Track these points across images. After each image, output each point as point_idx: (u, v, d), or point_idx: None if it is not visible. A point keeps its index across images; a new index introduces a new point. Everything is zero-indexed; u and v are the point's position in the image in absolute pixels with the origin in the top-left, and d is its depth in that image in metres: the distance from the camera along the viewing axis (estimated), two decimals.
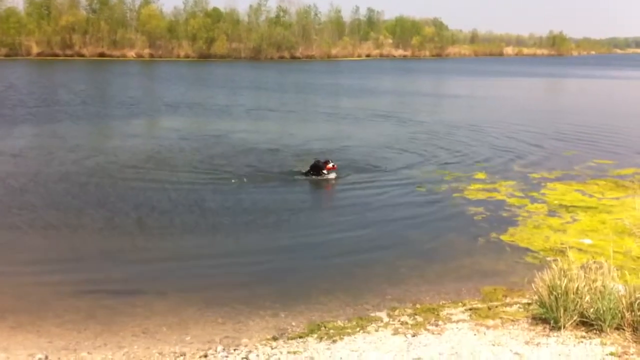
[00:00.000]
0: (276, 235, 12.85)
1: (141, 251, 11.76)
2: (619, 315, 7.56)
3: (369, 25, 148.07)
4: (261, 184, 16.89)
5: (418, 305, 9.15)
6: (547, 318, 7.85)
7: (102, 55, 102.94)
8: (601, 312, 7.51)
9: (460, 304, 9.17)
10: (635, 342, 7.27)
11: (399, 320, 8.48)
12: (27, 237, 12.46)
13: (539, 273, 8.19)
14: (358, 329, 8.19)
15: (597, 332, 7.51)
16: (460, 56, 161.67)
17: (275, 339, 7.97)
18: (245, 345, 7.76)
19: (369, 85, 59.12)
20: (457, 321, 8.35)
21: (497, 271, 10.76)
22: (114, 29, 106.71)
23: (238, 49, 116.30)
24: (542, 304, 7.97)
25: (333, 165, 17.53)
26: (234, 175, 17.69)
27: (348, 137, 26.08)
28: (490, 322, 8.25)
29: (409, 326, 8.23)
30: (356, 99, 45.27)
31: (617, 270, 8.31)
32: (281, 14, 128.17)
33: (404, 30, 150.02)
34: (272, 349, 7.57)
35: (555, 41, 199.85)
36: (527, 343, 7.45)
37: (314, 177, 17.41)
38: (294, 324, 8.54)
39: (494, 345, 7.44)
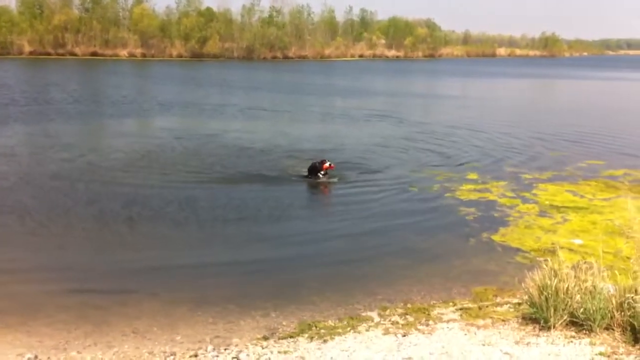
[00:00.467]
0: (267, 235, 12.84)
1: (132, 251, 11.72)
2: (609, 315, 7.58)
3: (362, 26, 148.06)
4: (253, 184, 16.86)
5: (409, 305, 9.16)
6: (537, 318, 7.87)
7: (94, 54, 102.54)
8: (591, 312, 7.53)
9: (450, 303, 9.19)
10: (624, 342, 7.30)
11: (389, 320, 8.49)
12: (17, 236, 12.40)
13: (530, 273, 8.21)
14: (349, 328, 8.19)
15: (587, 332, 7.53)
16: (453, 57, 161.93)
17: (265, 338, 7.96)
18: (236, 345, 7.75)
19: (362, 85, 59.19)
20: (448, 321, 8.36)
21: (488, 271, 10.78)
22: (106, 28, 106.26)
23: (231, 49, 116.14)
24: (532, 304, 7.99)
25: (330, 165, 17.28)
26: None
27: (341, 137, 26.09)
28: (480, 321, 8.27)
29: (400, 326, 8.23)
30: (349, 99, 45.30)
31: (607, 270, 8.33)
32: (274, 13, 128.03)
33: (397, 30, 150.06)
34: (262, 348, 7.56)
35: (548, 42, 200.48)
36: (517, 343, 7.47)
37: (311, 179, 17.27)
38: (284, 323, 8.53)
39: (484, 345, 7.46)
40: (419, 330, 8.04)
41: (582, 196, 15.94)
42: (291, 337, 7.94)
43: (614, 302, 7.63)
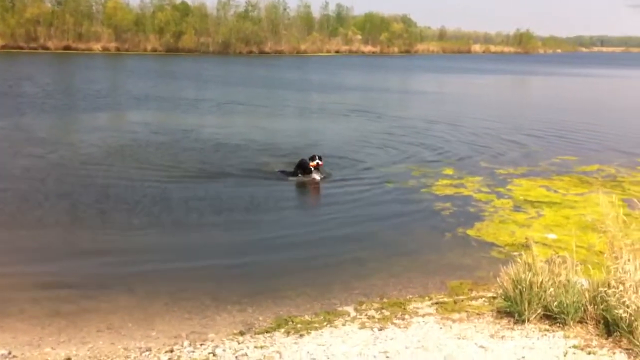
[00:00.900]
0: (243, 230, 12.79)
1: (107, 246, 11.59)
2: (582, 308, 7.68)
3: (338, 21, 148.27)
4: (229, 180, 16.80)
5: (385, 300, 9.19)
6: (511, 311, 7.95)
7: (67, 48, 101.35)
8: (564, 305, 7.62)
9: (426, 298, 9.24)
10: (597, 335, 7.40)
11: (366, 315, 8.51)
12: None
13: (504, 267, 8.28)
14: (325, 323, 8.19)
15: (561, 325, 7.62)
16: (429, 53, 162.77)
17: (242, 333, 7.93)
18: (212, 340, 7.71)
19: (338, 81, 59.23)
20: (424, 315, 8.41)
21: (464, 265, 10.85)
22: (79, 21, 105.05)
23: (206, 43, 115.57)
24: (506, 298, 8.07)
25: (318, 163, 16.66)
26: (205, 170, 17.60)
27: (317, 132, 26.12)
28: (456, 315, 8.33)
29: (376, 320, 8.26)
30: (326, 94, 45.30)
31: (580, 264, 8.42)
32: (250, 8, 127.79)
33: (373, 26, 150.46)
34: (239, 343, 7.53)
35: (522, 39, 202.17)
36: (492, 336, 7.54)
37: (300, 176, 16.73)
38: (261, 318, 8.51)
39: (459, 338, 7.52)
40: (395, 324, 8.07)
41: (555, 191, 16.12)
42: (267, 332, 7.92)
43: (587, 295, 7.73)
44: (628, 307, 7.06)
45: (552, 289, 7.74)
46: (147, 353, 7.33)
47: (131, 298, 9.20)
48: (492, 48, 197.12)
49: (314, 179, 16.62)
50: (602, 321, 7.47)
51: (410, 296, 9.36)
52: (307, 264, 10.89)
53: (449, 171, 18.41)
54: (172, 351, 7.36)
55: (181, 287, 9.67)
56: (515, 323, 7.82)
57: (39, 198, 14.47)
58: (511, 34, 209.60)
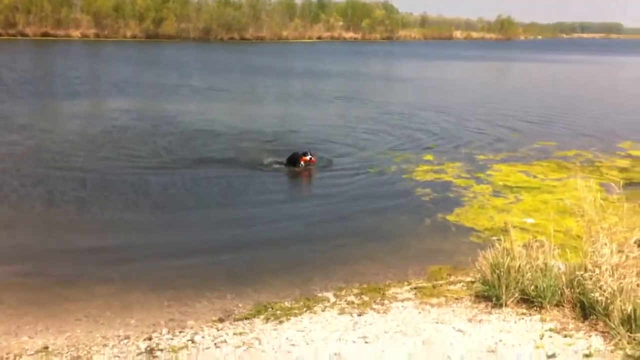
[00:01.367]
0: (222, 217, 12.74)
1: (84, 235, 11.47)
2: (559, 292, 7.75)
3: (319, 8, 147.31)
4: (209, 167, 16.68)
5: (364, 285, 9.22)
6: (489, 295, 8.01)
7: (46, 35, 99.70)
8: (542, 289, 7.69)
9: (405, 283, 9.28)
10: (574, 318, 7.47)
11: (345, 300, 8.53)
12: None
13: (483, 252, 8.34)
14: (305, 309, 8.20)
15: (538, 308, 7.69)
16: (411, 39, 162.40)
17: (221, 320, 7.92)
18: (191, 328, 7.69)
19: (321, 67, 59.01)
20: (403, 300, 8.45)
21: (443, 250, 10.92)
22: (57, 8, 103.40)
23: (187, 30, 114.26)
24: (485, 282, 8.12)
25: (310, 159, 16.36)
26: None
27: (299, 119, 26.05)
28: (434, 300, 8.37)
29: (355, 305, 8.28)
30: (308, 81, 45.15)
31: (557, 248, 8.50)
32: None
33: (354, 12, 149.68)
34: (218, 330, 7.52)
35: (503, 25, 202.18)
36: (469, 320, 7.59)
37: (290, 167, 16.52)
38: (240, 305, 8.50)
39: (437, 322, 7.56)
40: (374, 309, 8.10)
41: (534, 176, 16.24)
42: (247, 318, 7.91)
43: (564, 279, 7.80)
44: (604, 291, 7.13)
45: (529, 273, 7.80)
46: (126, 341, 7.29)
47: (109, 287, 9.14)
48: (474, 34, 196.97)
49: (304, 170, 16.40)
50: (578, 304, 7.54)
51: (390, 281, 9.40)
52: (286, 251, 10.89)
53: (429, 157, 18.47)
54: (150, 339, 7.33)
55: (160, 275, 9.63)
56: (493, 307, 7.88)
57: (15, 185, 14.29)
58: (492, 20, 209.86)
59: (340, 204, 13.91)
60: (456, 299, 8.37)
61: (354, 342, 7.08)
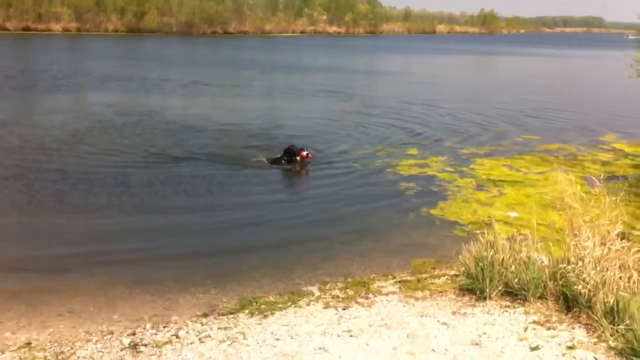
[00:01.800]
0: (206, 213, 12.67)
1: (67, 229, 11.37)
2: (542, 285, 7.81)
3: (303, 1, 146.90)
4: (192, 162, 16.59)
5: (349, 279, 9.22)
6: (473, 289, 8.05)
7: (26, 29, 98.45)
8: (525, 282, 7.74)
9: (390, 277, 9.29)
10: (557, 310, 7.53)
11: (330, 294, 8.53)
12: None
13: (467, 245, 8.39)
14: (289, 303, 8.20)
15: (521, 301, 7.75)
16: (394, 34, 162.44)
17: (205, 315, 7.90)
18: (175, 323, 7.66)
19: (304, 61, 58.88)
20: (387, 294, 8.46)
21: (427, 244, 10.95)
22: (38, 2, 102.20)
23: (169, 24, 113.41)
24: (469, 275, 8.16)
25: (308, 155, 16.06)
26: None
27: (283, 113, 26.02)
28: (419, 293, 8.40)
29: (340, 299, 8.29)
30: (292, 75, 45.00)
31: (540, 242, 8.56)
32: None
33: (338, 6, 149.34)
34: (202, 325, 7.49)
35: (486, 19, 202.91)
36: (454, 313, 7.63)
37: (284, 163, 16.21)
38: (225, 300, 8.48)
39: (422, 316, 7.59)
40: (358, 303, 8.11)
41: (517, 170, 16.34)
42: (231, 313, 7.90)
43: (547, 272, 7.86)
44: (587, 283, 7.20)
45: (513, 266, 7.85)
46: (109, 336, 7.25)
47: (92, 282, 9.08)
48: (457, 28, 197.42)
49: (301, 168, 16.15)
50: (561, 297, 7.61)
51: (374, 275, 9.41)
52: (271, 245, 10.86)
53: (413, 151, 18.51)
54: (134, 334, 7.29)
55: (144, 270, 9.58)
56: (477, 300, 7.92)
57: None
58: (475, 14, 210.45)
59: (323, 198, 13.92)
60: (440, 292, 8.40)
61: (338, 335, 7.09)
